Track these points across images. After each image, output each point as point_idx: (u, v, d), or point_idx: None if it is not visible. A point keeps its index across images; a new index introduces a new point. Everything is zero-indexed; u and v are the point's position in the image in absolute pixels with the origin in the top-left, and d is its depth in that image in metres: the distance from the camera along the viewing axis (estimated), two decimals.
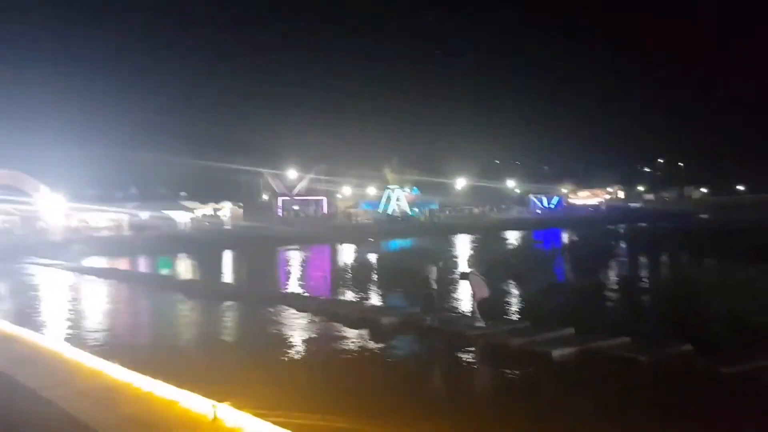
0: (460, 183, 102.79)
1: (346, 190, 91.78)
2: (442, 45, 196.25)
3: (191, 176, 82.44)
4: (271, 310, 19.98)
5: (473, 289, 15.51)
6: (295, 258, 46.80)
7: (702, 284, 19.66)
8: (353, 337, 16.02)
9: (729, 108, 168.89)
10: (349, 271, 31.58)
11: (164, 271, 39.90)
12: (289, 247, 53.03)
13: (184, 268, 42.63)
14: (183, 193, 78.57)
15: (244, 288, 27.43)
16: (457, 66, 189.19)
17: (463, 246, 56.83)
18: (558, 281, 26.44)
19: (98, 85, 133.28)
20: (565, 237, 60.74)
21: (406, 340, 15.45)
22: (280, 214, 78.62)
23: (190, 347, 16.33)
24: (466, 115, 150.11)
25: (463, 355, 13.85)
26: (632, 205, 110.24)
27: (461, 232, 71.68)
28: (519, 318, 17.75)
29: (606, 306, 20.75)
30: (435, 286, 16.86)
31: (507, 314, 18.59)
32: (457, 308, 19.73)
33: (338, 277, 31.02)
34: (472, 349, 14.13)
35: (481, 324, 15.26)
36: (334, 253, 50.31)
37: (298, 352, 15.10)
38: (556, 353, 12.81)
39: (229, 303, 21.97)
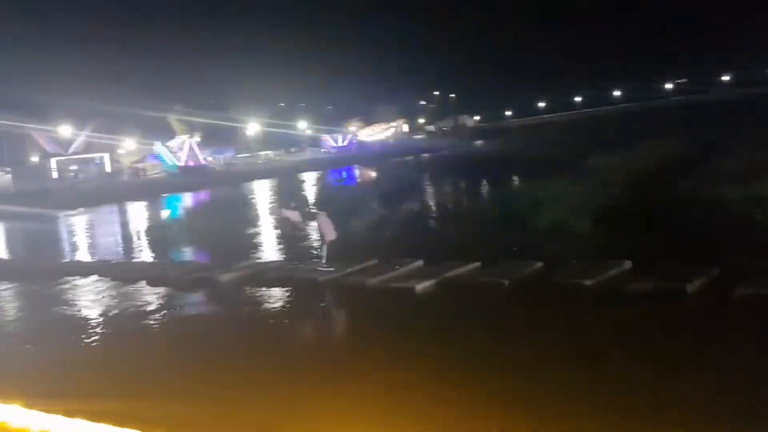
0: (251, 128, 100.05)
1: (130, 144, 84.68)
2: None
3: None
4: (80, 282, 17.72)
5: (322, 231, 14.92)
6: (85, 223, 42.43)
7: (510, 202, 21.12)
8: (195, 302, 14.75)
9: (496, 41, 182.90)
10: (158, 230, 29.30)
11: None
12: (71, 212, 47.80)
13: None
14: None
15: (35, 262, 24.11)
16: (243, 10, 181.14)
17: (269, 191, 55.72)
18: (377, 215, 26.77)
19: None
20: (366, 173, 62.24)
21: (259, 296, 14.49)
22: (55, 176, 70.38)
23: None
24: (248, 58, 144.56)
25: (324, 303, 13.40)
26: (415, 137, 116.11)
27: (260, 178, 70.42)
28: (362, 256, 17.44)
29: (434, 234, 21.43)
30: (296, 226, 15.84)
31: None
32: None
33: (146, 238, 28.59)
34: (330, 296, 13.71)
35: (329, 268, 14.84)
36: (129, 214, 46.33)
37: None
38: (419, 287, 12.84)
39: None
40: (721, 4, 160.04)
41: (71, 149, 76.63)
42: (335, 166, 78.71)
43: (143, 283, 16.65)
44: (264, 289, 14.52)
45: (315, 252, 17.42)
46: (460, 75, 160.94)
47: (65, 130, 76.88)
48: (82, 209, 49.07)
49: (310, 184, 59.30)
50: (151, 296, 15.18)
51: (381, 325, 11.23)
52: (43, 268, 20.53)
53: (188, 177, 73.13)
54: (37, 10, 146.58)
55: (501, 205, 22.42)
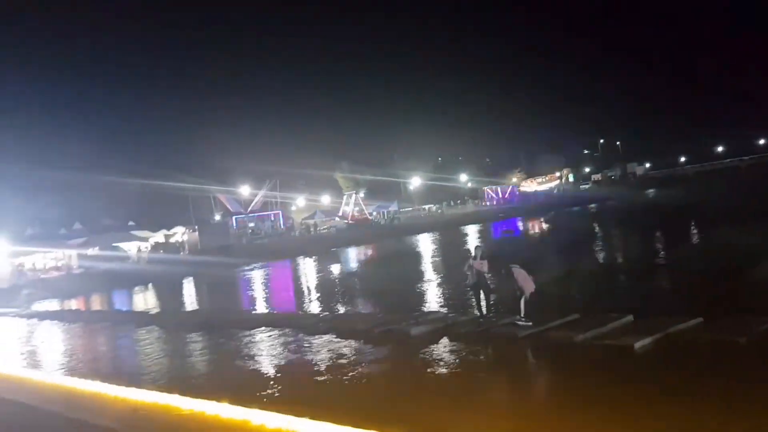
0: (413, 182, 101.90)
1: (300, 201, 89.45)
2: (379, 49, 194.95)
3: (138, 203, 78.56)
4: (271, 334, 17.98)
5: (520, 284, 13.95)
6: (264, 276, 44.64)
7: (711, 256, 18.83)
8: (390, 355, 14.22)
9: (662, 86, 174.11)
10: (337, 282, 29.86)
11: (136, 307, 37.12)
12: (253, 265, 50.65)
13: (154, 300, 39.94)
14: (131, 223, 74.59)
15: (225, 314, 25.25)
16: (397, 69, 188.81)
17: (436, 243, 55.68)
18: (564, 267, 25.24)
19: (26, 117, 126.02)
20: (535, 224, 60.27)
21: (457, 351, 13.58)
22: (235, 232, 75.58)
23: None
24: (410, 115, 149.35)
25: (537, 360, 12.25)
26: (582, 187, 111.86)
27: (423, 231, 70.91)
28: (559, 311, 16.10)
29: (632, 287, 19.60)
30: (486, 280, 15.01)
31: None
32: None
33: (328, 290, 29.15)
34: (536, 352, 12.57)
35: (527, 322, 13.76)
36: (305, 267, 48.03)
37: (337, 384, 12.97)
38: (638, 345, 11.41)
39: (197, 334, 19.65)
40: None
41: (250, 208, 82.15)
42: (499, 219, 77.51)
43: (332, 335, 16.55)
44: (460, 343, 13.71)
45: (501, 306, 16.42)
46: (626, 122, 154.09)
47: (245, 190, 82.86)
48: (258, 264, 51.87)
49: (477, 236, 58.40)
50: (346, 349, 14.94)
51: (601, 385, 9.95)
52: (235, 319, 21.30)
53: (355, 231, 75.49)
54: (220, 88, 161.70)
55: (708, 255, 20.12)
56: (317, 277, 38.21)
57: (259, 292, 35.47)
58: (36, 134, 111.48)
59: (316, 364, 13.88)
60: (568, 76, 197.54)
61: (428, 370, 12.14)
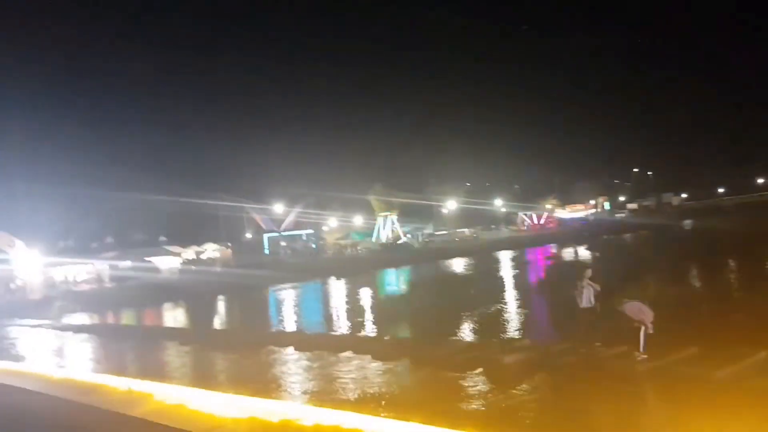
0: (446, 206, 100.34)
1: (332, 222, 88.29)
2: (416, 73, 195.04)
3: (169, 219, 78.05)
4: (333, 358, 16.44)
5: (640, 317, 12.34)
6: (312, 296, 43.19)
7: None
8: (477, 385, 12.60)
9: (697, 115, 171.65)
10: (385, 305, 28.30)
11: (173, 322, 35.91)
12: (284, 286, 49.19)
13: (195, 317, 38.70)
14: (162, 238, 74.01)
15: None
16: (433, 91, 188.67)
17: (477, 268, 53.79)
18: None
19: (64, 132, 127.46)
20: (580, 251, 58.06)
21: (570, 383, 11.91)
22: (267, 251, 74.58)
23: None
24: (445, 139, 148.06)
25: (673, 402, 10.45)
26: (618, 215, 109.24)
27: (458, 256, 69.10)
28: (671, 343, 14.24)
29: (730, 317, 17.72)
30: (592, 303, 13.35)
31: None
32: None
33: (378, 313, 27.59)
34: (669, 388, 10.75)
35: (643, 355, 12.10)
36: (350, 288, 46.26)
37: None
38: None
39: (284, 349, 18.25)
40: None
41: (282, 226, 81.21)
42: (534, 245, 75.40)
43: (407, 361, 14.99)
44: (564, 374, 12.07)
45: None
46: (661, 151, 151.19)
47: (277, 208, 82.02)
48: (296, 283, 50.48)
49: (518, 261, 56.51)
50: (431, 380, 13.36)
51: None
52: (296, 339, 19.83)
53: (389, 253, 73.95)
54: (258, 109, 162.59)
55: None
56: (361, 299, 36.67)
57: (307, 312, 33.91)
58: (72, 150, 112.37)
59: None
60: (599, 106, 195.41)
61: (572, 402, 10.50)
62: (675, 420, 9.38)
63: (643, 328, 12.29)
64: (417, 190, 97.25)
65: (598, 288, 13.25)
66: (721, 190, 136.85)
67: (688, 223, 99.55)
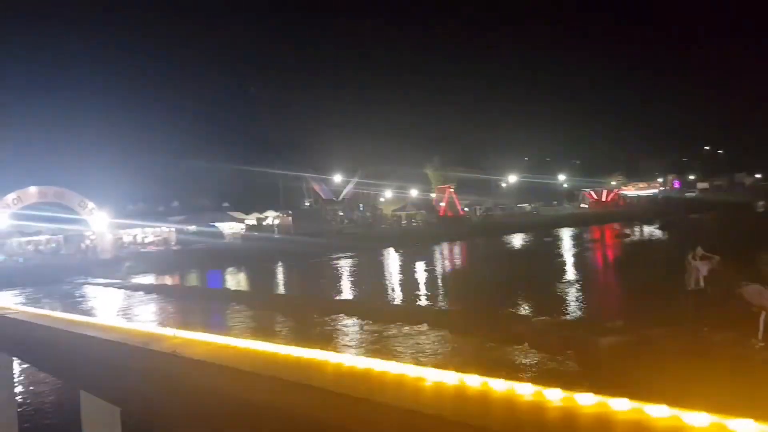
0: (507, 180, 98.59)
1: (390, 193, 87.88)
2: (476, 44, 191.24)
3: (233, 186, 79.13)
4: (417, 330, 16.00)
5: (761, 301, 11.44)
6: (376, 265, 42.99)
7: None
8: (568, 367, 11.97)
9: None
10: (450, 278, 27.73)
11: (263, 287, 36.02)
12: (343, 255, 49.16)
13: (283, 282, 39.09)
14: (225, 204, 75.16)
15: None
16: (495, 63, 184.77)
17: (541, 245, 52.49)
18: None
19: (135, 99, 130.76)
20: (653, 230, 55.92)
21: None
22: (328, 218, 74.88)
23: None
24: (506, 112, 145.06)
25: None
26: (687, 194, 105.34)
27: (517, 231, 67.68)
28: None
29: None
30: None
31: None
32: None
33: (445, 285, 27.07)
34: None
35: (760, 342, 11.23)
36: (410, 259, 45.75)
37: None
38: None
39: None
40: None
41: (341, 196, 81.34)
42: (599, 222, 73.28)
43: (485, 340, 14.44)
44: (671, 359, 11.28)
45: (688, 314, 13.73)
46: (734, 130, 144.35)
47: (337, 177, 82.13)
48: (353, 252, 50.46)
49: (583, 239, 54.96)
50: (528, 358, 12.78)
51: None
52: (367, 308, 19.55)
53: (447, 227, 73.14)
54: (319, 80, 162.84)
55: None
56: (425, 270, 36.25)
57: (374, 281, 33.64)
58: (144, 116, 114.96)
59: None
60: (667, 82, 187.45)
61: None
62: None
63: (763, 313, 11.37)
64: (476, 164, 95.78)
65: (717, 259, 12.31)
66: None
67: (762, 204, 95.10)
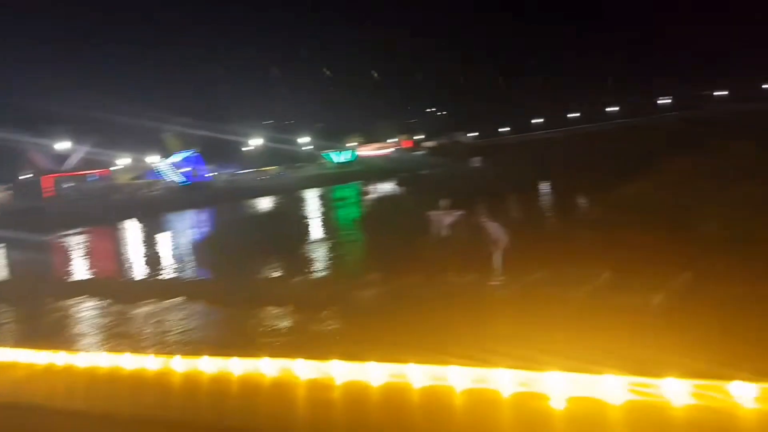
0: (250, 144, 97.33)
1: (125, 161, 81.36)
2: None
3: None
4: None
5: (496, 236, 12.17)
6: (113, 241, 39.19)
7: None
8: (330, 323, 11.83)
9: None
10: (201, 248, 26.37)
11: None
12: (72, 231, 44.33)
13: None
14: None
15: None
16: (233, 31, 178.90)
17: (290, 207, 52.57)
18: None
19: None
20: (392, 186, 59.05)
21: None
22: (54, 193, 66.81)
23: None
24: (244, 74, 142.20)
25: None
26: (417, 152, 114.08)
27: (265, 195, 67.40)
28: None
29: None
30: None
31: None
32: None
33: (195, 256, 25.56)
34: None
35: (498, 279, 12.09)
36: (156, 230, 42.62)
37: None
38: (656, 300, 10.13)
39: None
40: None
41: (66, 166, 73.09)
42: (343, 182, 75.91)
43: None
44: (427, 305, 11.69)
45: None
46: (454, 93, 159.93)
47: (61, 146, 73.48)
48: (83, 228, 45.74)
49: (329, 198, 56.42)
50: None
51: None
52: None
53: (190, 193, 70.01)
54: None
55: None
56: (174, 241, 34.10)
57: (119, 257, 30.57)
58: None
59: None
60: (400, 45, 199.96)
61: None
62: (551, 337, 9.23)
63: (498, 251, 12.24)
64: (217, 128, 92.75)
65: (460, 213, 12.97)
66: (504, 130, 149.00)
67: (477, 159, 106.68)
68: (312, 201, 55.91)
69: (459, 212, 13.13)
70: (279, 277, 17.38)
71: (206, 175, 79.30)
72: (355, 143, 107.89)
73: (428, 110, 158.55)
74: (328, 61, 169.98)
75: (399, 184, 59.13)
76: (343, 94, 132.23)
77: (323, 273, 18.13)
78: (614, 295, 10.73)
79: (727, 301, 9.58)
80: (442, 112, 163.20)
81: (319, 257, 21.51)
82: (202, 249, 27.72)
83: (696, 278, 10.93)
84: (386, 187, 60.39)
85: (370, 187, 57.73)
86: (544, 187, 34.11)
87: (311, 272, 18.13)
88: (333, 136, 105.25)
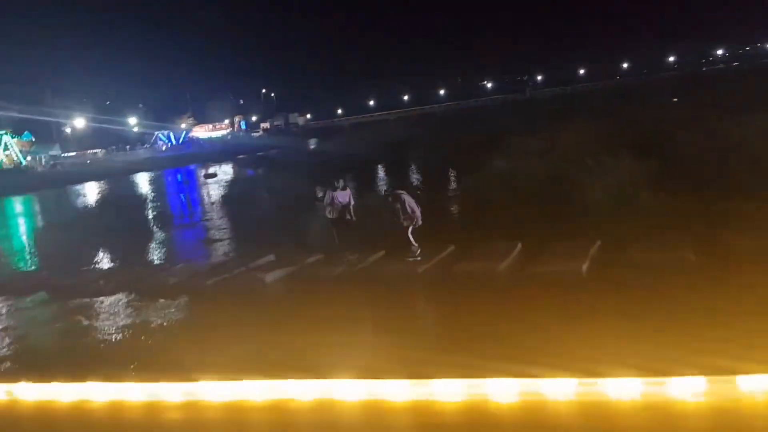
0: (72, 125, 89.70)
1: None
2: None
3: None
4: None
5: (410, 210, 12.28)
6: None
7: None
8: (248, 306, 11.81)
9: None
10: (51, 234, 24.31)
11: None
12: None
13: None
14: None
15: None
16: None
17: (115, 192, 49.16)
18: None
19: None
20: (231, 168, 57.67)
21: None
22: None
23: None
24: (70, 53, 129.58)
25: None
26: (254, 134, 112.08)
27: (91, 180, 62.67)
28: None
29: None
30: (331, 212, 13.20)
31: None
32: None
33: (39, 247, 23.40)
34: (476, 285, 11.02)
35: (416, 256, 12.52)
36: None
37: None
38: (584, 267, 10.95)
39: None
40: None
41: None
42: (177, 165, 72.39)
43: (126, 294, 13.30)
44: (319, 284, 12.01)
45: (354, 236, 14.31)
46: (288, 74, 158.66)
47: None
48: None
49: (158, 183, 53.78)
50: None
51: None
52: None
53: (7, 179, 63.22)
54: None
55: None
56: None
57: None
58: None
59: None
60: (232, 26, 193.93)
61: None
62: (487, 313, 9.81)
63: (411, 227, 12.37)
64: (35, 105, 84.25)
65: (349, 199, 13.23)
66: (339, 111, 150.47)
67: (313, 141, 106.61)
68: (155, 184, 53.07)
69: (347, 191, 13.32)
70: (167, 265, 16.69)
71: (24, 159, 72.13)
72: (187, 124, 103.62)
73: (262, 91, 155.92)
74: (155, 39, 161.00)
75: (240, 165, 57.88)
76: (170, 74, 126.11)
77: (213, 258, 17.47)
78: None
79: None
80: (274, 94, 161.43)
81: (193, 243, 20.93)
82: (41, 241, 25.23)
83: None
84: (228, 169, 58.71)
85: (213, 170, 55.72)
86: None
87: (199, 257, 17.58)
88: (162, 117, 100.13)
